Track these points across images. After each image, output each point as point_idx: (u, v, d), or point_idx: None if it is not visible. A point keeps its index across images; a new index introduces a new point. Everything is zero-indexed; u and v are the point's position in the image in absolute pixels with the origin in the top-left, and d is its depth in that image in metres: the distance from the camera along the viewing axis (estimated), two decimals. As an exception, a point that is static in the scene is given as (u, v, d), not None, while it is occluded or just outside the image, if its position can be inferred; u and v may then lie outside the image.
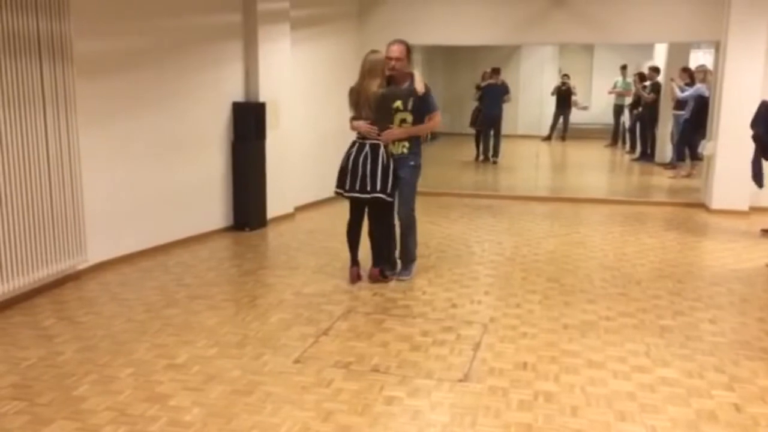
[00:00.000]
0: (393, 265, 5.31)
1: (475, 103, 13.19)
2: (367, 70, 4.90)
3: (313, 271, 5.52)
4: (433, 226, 7.28)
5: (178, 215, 6.26)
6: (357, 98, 4.96)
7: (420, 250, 6.21)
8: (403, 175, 5.04)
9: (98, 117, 5.30)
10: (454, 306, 4.72)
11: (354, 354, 3.85)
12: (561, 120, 16.16)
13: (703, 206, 8.40)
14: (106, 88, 5.38)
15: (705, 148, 8.41)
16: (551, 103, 16.27)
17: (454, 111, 15.61)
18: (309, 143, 8.01)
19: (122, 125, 5.57)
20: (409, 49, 5.01)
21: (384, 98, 4.88)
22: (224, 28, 6.74)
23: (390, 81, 4.98)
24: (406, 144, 5.06)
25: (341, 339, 4.09)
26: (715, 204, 8.05)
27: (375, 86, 4.86)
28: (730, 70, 7.83)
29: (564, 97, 15.89)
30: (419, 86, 4.95)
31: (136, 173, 5.74)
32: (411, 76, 5.05)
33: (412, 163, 5.10)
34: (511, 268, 5.70)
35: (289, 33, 7.32)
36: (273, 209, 7.25)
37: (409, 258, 5.33)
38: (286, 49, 7.30)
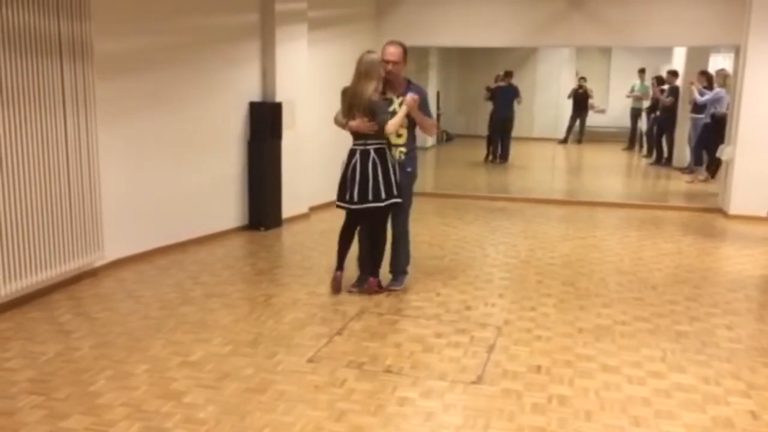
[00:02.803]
0: (404, 268, 5.12)
1: (490, 105, 13.28)
2: (364, 72, 4.61)
3: (327, 270, 5.52)
4: (447, 228, 7.27)
5: (195, 214, 6.30)
6: (351, 100, 4.66)
7: (434, 251, 6.24)
8: (400, 182, 4.77)
9: (117, 116, 5.35)
10: (468, 308, 4.71)
11: (367, 354, 3.86)
12: (577, 123, 16.08)
13: (720, 211, 8.32)
14: (125, 87, 5.43)
15: (723, 152, 8.33)
16: (568, 105, 16.19)
17: (469, 113, 15.60)
18: (324, 144, 8.01)
19: (140, 124, 5.62)
20: (406, 52, 4.77)
21: (374, 108, 4.58)
22: (242, 29, 6.77)
23: (385, 84, 4.72)
24: (404, 149, 4.84)
25: (355, 339, 4.10)
26: (733, 209, 7.97)
27: (371, 89, 4.58)
28: (750, 75, 7.74)
29: (581, 100, 15.81)
30: (407, 105, 4.64)
31: (154, 172, 5.78)
32: (407, 82, 4.82)
33: (408, 169, 4.89)
34: (526, 271, 5.68)
35: (306, 33, 7.34)
36: (288, 209, 7.28)
37: (400, 269, 5.09)
38: (303, 50, 7.33)
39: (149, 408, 3.18)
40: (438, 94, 15.84)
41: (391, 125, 4.61)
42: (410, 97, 4.66)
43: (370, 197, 4.66)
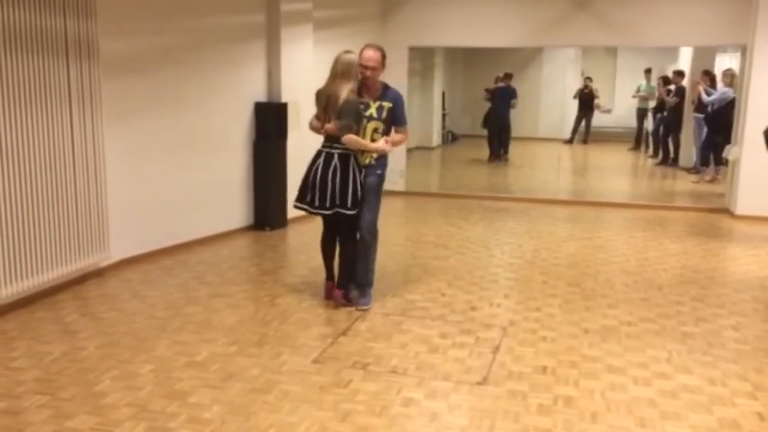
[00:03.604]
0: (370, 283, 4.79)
1: (488, 105, 13.41)
2: (340, 72, 4.41)
3: (332, 271, 5.53)
4: (452, 228, 7.26)
5: (200, 214, 6.30)
6: (326, 102, 4.47)
7: (439, 251, 6.24)
8: (368, 183, 4.57)
9: (123, 115, 5.36)
10: (473, 308, 4.70)
11: (372, 355, 3.86)
12: (583, 123, 16.05)
13: (727, 212, 8.28)
14: (131, 87, 5.44)
15: (730, 152, 8.30)
16: (573, 106, 16.16)
17: (474, 113, 15.54)
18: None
19: (146, 124, 5.63)
20: (384, 56, 4.55)
21: (343, 109, 4.36)
22: (247, 29, 6.78)
23: (361, 87, 4.52)
24: (374, 153, 4.61)
25: (360, 339, 4.10)
26: (740, 209, 7.94)
27: (346, 91, 4.37)
28: (757, 75, 7.71)
29: (586, 100, 15.77)
30: (378, 150, 4.52)
31: (159, 172, 5.79)
32: (384, 86, 4.64)
33: (378, 171, 4.64)
34: (531, 271, 5.67)
35: (311, 34, 7.34)
36: (293, 209, 7.25)
37: (366, 281, 4.73)
38: (308, 50, 7.33)
39: (154, 408, 3.19)
40: (443, 94, 15.83)
41: (350, 139, 4.37)
42: (386, 147, 4.52)
43: (327, 204, 4.47)
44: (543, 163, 13.69)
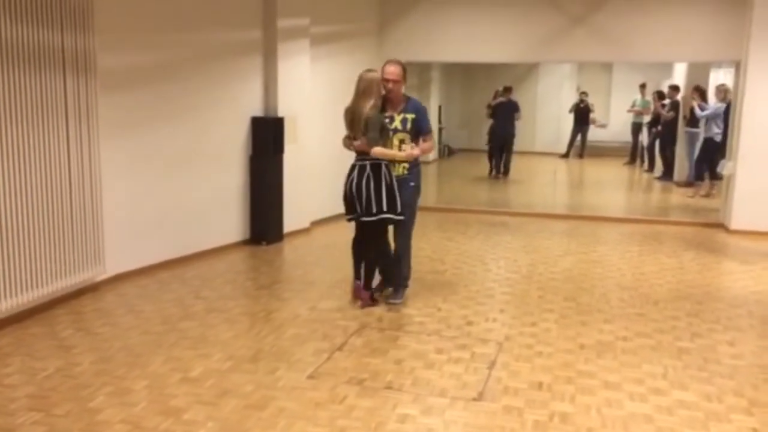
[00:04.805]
0: (405, 282, 5.16)
1: (491, 121, 13.39)
2: (362, 89, 4.73)
3: (328, 286, 5.52)
4: (449, 243, 7.27)
5: (196, 228, 6.30)
6: (351, 118, 4.79)
7: (436, 265, 6.24)
8: (404, 197, 4.84)
9: (119, 130, 5.38)
10: (469, 323, 4.70)
11: (368, 371, 3.85)
12: (579, 137, 16.11)
13: (722, 226, 8.31)
14: (128, 101, 5.46)
15: (725, 167, 8.33)
16: (569, 120, 16.23)
17: (471, 127, 15.63)
18: (326, 158, 8.03)
19: (142, 139, 5.64)
20: (405, 70, 4.86)
21: (367, 123, 4.66)
22: (245, 44, 6.82)
23: (385, 101, 4.83)
24: (406, 164, 4.89)
25: (355, 355, 4.09)
26: (735, 224, 7.96)
27: (368, 106, 4.68)
28: (751, 90, 7.76)
29: (582, 115, 15.85)
30: (405, 156, 4.77)
31: (156, 186, 5.80)
32: (407, 98, 4.93)
33: (412, 183, 4.95)
34: (528, 286, 5.67)
35: (308, 49, 7.39)
36: (289, 224, 7.28)
37: (401, 282, 5.12)
38: (305, 65, 7.36)
39: (148, 425, 3.17)
40: (440, 108, 15.89)
41: (379, 152, 4.69)
42: (414, 152, 4.77)
43: (359, 210, 4.80)
44: (539, 177, 13.73)
